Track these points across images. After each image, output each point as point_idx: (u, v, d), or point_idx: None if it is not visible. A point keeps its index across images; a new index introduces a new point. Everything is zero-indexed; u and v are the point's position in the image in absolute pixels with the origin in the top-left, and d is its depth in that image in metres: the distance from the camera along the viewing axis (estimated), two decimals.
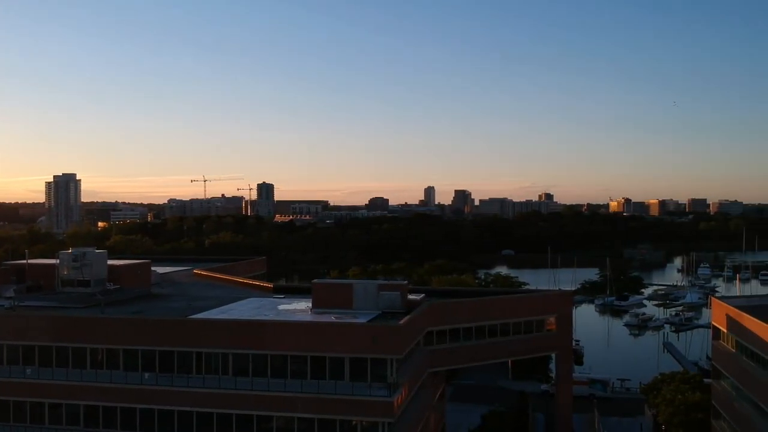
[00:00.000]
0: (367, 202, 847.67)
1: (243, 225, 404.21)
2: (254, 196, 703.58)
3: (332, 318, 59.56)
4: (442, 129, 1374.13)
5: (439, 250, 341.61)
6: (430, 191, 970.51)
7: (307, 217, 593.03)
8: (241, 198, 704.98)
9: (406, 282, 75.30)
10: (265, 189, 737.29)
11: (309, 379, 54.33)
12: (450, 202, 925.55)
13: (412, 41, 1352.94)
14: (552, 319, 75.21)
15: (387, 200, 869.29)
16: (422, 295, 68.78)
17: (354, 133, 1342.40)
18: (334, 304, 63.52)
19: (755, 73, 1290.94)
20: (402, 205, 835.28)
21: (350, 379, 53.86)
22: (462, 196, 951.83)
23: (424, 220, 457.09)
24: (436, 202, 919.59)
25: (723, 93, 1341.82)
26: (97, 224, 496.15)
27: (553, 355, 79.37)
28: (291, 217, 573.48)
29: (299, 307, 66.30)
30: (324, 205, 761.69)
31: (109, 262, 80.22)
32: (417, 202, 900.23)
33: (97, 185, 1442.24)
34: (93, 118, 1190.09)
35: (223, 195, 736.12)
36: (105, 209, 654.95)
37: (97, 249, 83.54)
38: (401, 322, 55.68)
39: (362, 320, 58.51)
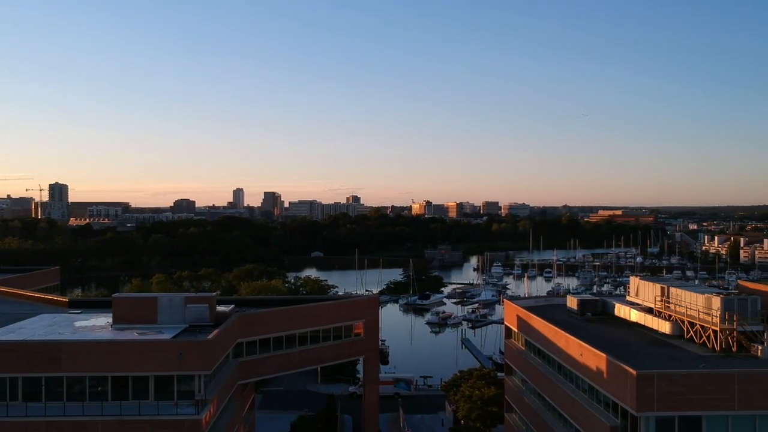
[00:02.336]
0: (172, 204, 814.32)
1: (33, 229, 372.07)
2: (45, 197, 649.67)
3: (135, 335, 56.80)
4: (251, 130, 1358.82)
5: (249, 253, 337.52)
6: (238, 193, 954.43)
7: (106, 220, 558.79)
8: (30, 199, 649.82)
9: (214, 294, 73.56)
10: (58, 189, 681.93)
11: (110, 401, 51.39)
12: (259, 204, 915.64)
13: (216, 38, 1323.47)
14: (360, 324, 77.34)
15: (194, 202, 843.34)
16: (231, 306, 67.65)
17: (158, 131, 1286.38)
18: (137, 320, 60.60)
19: (540, 82, 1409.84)
20: (209, 207, 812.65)
21: (155, 398, 51.70)
22: (271, 198, 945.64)
23: (233, 222, 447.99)
24: (245, 204, 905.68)
25: (511, 102, 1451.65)
26: None
27: (361, 358, 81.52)
28: (88, 220, 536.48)
29: (98, 324, 62.52)
30: (125, 207, 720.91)
31: None
32: (225, 204, 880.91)
33: None
34: None
35: (9, 196, 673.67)
36: None
37: None
38: (210, 336, 54.39)
39: (167, 336, 56.37)
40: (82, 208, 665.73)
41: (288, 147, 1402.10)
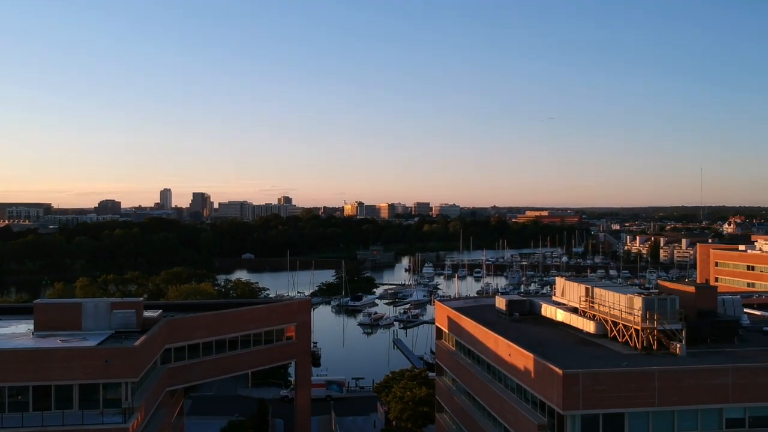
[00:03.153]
0: (97, 205, 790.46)
1: None
2: None
3: (58, 342, 55.03)
4: (179, 129, 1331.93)
5: (177, 256, 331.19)
6: (166, 194, 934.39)
7: (27, 221, 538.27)
8: None
9: (141, 299, 71.97)
10: None
11: (31, 411, 49.64)
12: (188, 205, 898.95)
13: (140, 33, 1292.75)
14: (292, 327, 76.96)
15: (119, 203, 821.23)
16: (159, 311, 66.23)
17: (81, 129, 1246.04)
18: (61, 326, 58.69)
19: (469, 82, 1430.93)
20: (136, 208, 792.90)
21: (80, 407, 50.22)
22: (200, 198, 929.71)
23: (160, 224, 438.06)
24: (173, 206, 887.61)
25: (442, 103, 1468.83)
26: None
27: (293, 361, 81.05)
28: (7, 221, 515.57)
29: (19, 331, 60.26)
30: (47, 208, 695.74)
31: None
32: (152, 205, 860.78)
33: None
34: None
35: None
36: None
37: None
38: (137, 343, 53.15)
39: (92, 343, 54.82)
40: (0, 209, 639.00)
41: (217, 147, 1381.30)
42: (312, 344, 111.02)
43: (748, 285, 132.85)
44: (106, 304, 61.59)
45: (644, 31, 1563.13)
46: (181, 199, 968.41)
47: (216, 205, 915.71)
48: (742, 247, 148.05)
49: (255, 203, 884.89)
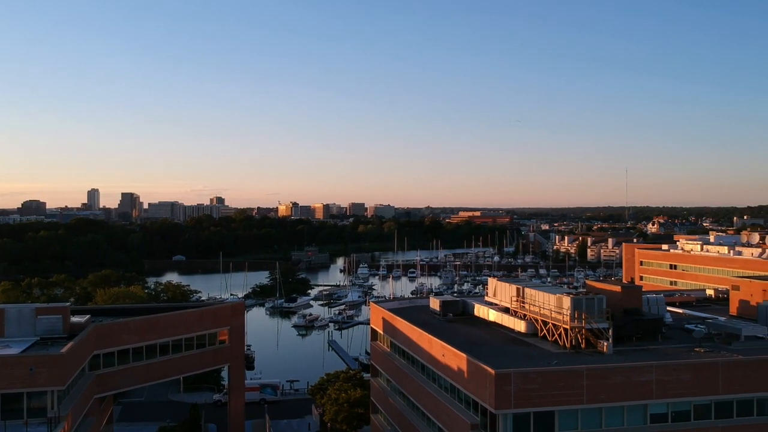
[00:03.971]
0: (20, 206, 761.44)
1: None
2: None
3: None
4: (106, 128, 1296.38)
5: (105, 258, 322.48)
6: (93, 194, 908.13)
7: None
8: None
9: (68, 303, 69.80)
10: None
11: None
12: (116, 206, 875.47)
13: (62, 30, 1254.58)
14: (225, 331, 75.96)
15: (44, 203, 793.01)
16: (87, 316, 64.42)
17: (3, 127, 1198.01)
18: None
19: (406, 81, 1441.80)
20: (62, 209, 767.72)
21: (2, 417, 48.42)
22: (129, 199, 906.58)
23: (87, 225, 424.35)
24: (101, 206, 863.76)
25: (375, 103, 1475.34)
26: None
27: (227, 366, 79.98)
28: None
29: None
30: None
31: None
32: (79, 206, 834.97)
33: None
34: None
35: None
36: None
37: None
38: (63, 350, 51.52)
39: (15, 350, 52.88)
40: None
41: (146, 146, 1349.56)
42: (246, 347, 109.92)
43: (671, 283, 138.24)
44: (30, 310, 59.56)
45: (564, 27, 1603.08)
46: (110, 200, 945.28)
47: (146, 206, 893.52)
48: (665, 247, 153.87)
49: (186, 204, 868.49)
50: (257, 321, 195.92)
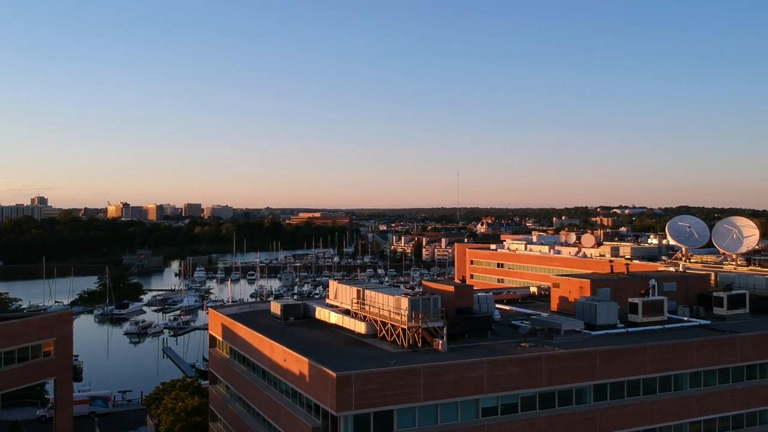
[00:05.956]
0: None
1: None
2: None
3: None
4: None
5: None
6: None
7: None
8: None
9: None
10: None
11: None
12: None
13: None
14: (50, 343, 71.32)
15: None
16: None
17: None
18: None
19: (244, 78, 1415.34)
20: None
21: None
22: None
23: None
24: None
25: (211, 98, 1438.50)
26: None
27: (52, 380, 75.00)
28: None
29: None
30: None
31: None
32: None
33: None
34: None
35: None
36: None
37: None
38: None
39: None
40: None
41: None
42: (73, 358, 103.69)
43: (499, 281, 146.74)
44: None
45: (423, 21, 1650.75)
46: None
47: None
48: (493, 246, 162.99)
49: (3, 204, 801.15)
50: (85, 329, 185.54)
